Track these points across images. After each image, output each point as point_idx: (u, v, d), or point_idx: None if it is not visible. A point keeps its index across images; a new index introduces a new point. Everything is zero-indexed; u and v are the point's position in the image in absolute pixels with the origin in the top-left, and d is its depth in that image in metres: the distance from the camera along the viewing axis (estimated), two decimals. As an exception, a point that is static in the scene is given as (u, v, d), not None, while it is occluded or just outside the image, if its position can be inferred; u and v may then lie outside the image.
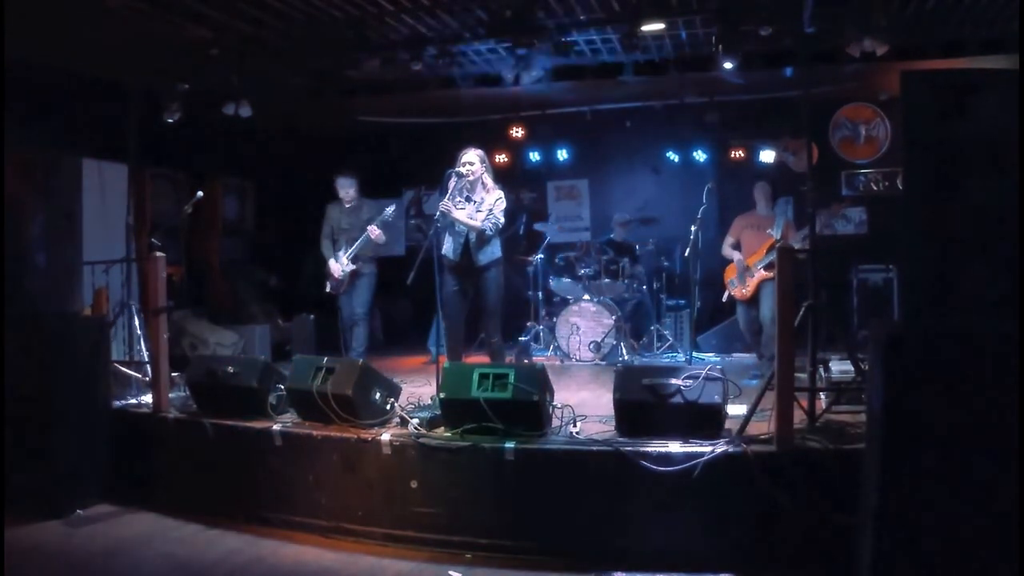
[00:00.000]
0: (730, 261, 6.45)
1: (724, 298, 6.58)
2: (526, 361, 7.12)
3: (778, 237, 5.99)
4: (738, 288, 6.32)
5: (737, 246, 6.43)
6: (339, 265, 6.45)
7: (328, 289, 6.58)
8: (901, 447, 2.89)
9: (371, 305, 6.69)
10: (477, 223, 5.30)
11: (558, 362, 7.46)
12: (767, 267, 6.02)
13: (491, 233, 5.36)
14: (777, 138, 8.54)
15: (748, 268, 6.23)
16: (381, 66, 6.63)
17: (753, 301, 6.25)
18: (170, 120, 6.81)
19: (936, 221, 2.98)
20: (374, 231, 6.22)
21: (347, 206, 6.61)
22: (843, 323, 7.53)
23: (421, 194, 10.22)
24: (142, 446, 4.97)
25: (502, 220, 5.44)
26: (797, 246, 5.89)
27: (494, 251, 5.44)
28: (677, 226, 7.56)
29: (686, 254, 6.38)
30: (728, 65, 6.10)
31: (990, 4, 5.72)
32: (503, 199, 5.44)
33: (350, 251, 6.41)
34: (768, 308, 5.96)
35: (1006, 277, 2.86)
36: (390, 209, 6.38)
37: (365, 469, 4.27)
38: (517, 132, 9.14)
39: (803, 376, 4.19)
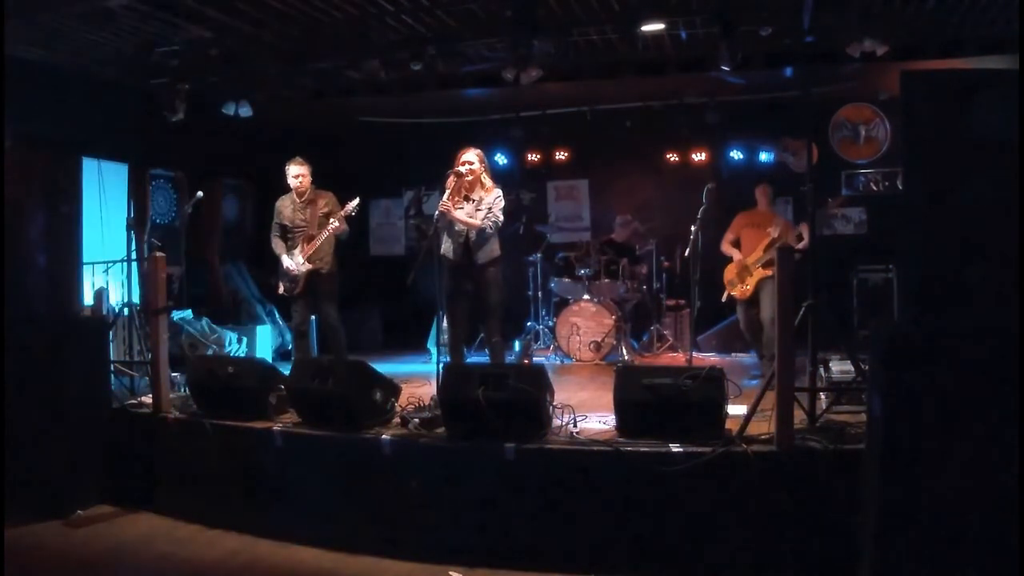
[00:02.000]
0: (728, 258, 6.45)
1: (723, 298, 6.58)
2: (526, 361, 7.13)
3: (776, 235, 5.99)
4: (737, 287, 6.32)
5: (737, 244, 6.43)
6: (295, 264, 5.79)
7: (281, 291, 5.94)
8: (901, 447, 2.89)
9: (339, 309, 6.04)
10: (477, 222, 5.29)
11: (558, 362, 7.47)
12: (765, 265, 6.01)
13: (491, 232, 5.35)
14: (777, 138, 8.54)
15: (747, 267, 6.24)
16: (381, 66, 6.63)
17: (753, 300, 6.25)
18: (174, 120, 6.80)
19: (936, 221, 2.98)
20: (339, 224, 5.71)
21: (300, 201, 5.90)
22: (843, 323, 7.52)
23: (421, 194, 10.22)
24: (142, 446, 4.97)
25: (501, 218, 5.43)
26: (795, 243, 5.89)
27: (493, 251, 5.44)
28: (677, 226, 7.55)
29: (686, 254, 6.37)
30: (726, 67, 6.10)
31: (990, 4, 5.72)
32: (502, 198, 5.44)
33: (308, 250, 5.77)
34: (768, 308, 5.96)
35: (1006, 277, 2.86)
36: (353, 203, 5.77)
37: (365, 469, 4.27)
38: (517, 132, 9.15)
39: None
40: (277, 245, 5.95)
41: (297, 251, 5.83)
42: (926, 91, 3.02)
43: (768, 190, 6.49)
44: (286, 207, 5.98)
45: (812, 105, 4.70)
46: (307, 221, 5.85)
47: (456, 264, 5.40)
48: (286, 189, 5.98)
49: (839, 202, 7.86)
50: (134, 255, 6.50)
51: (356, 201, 5.79)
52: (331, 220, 5.74)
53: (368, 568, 3.91)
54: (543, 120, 9.06)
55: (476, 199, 5.38)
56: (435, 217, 5.17)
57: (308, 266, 5.78)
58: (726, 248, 6.47)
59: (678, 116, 8.56)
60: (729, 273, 6.42)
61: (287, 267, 5.85)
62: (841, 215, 8.53)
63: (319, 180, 6.10)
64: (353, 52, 6.53)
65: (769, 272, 5.90)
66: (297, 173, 5.88)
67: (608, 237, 8.28)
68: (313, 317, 6.17)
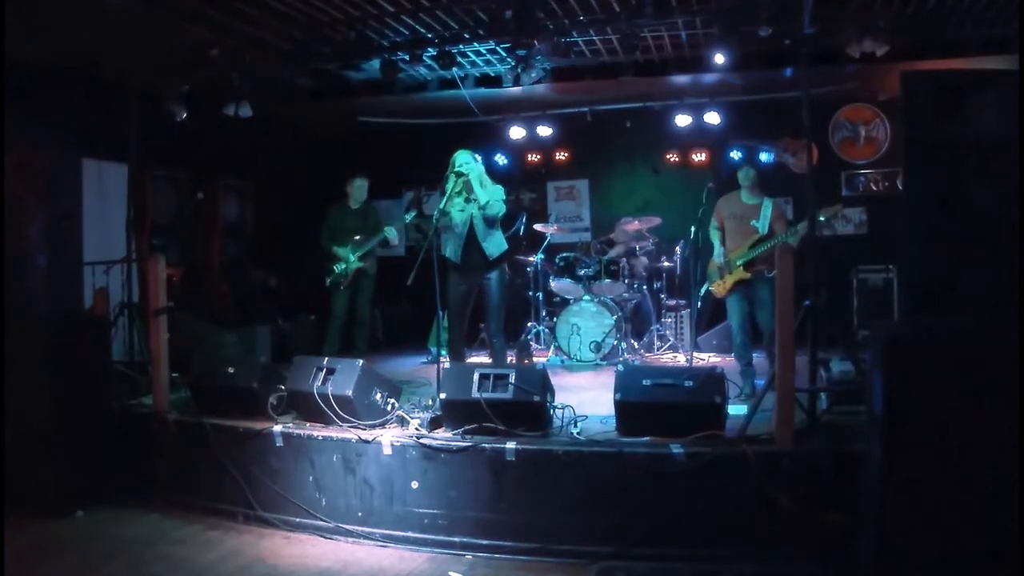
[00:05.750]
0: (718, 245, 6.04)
1: (701, 291, 6.28)
2: (527, 361, 7.12)
3: (763, 231, 5.68)
4: (716, 283, 5.93)
5: (723, 231, 6.03)
6: (348, 260, 6.69)
7: (328, 283, 6.76)
8: (901, 447, 2.89)
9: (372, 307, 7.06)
10: (484, 194, 5.24)
11: (558, 362, 7.46)
12: (746, 265, 5.68)
13: (492, 213, 5.29)
14: (777, 138, 8.54)
15: (728, 262, 5.83)
16: (381, 67, 6.63)
17: (735, 299, 5.82)
18: (177, 120, 6.81)
19: (936, 221, 2.98)
20: (393, 236, 6.63)
21: (353, 208, 6.84)
22: (843, 323, 7.52)
23: (421, 194, 10.21)
24: (142, 446, 4.98)
25: (503, 208, 5.42)
26: (793, 241, 5.59)
27: (496, 251, 5.43)
28: (677, 226, 7.55)
29: (686, 254, 6.33)
30: (722, 60, 6.08)
31: (990, 4, 5.72)
32: (501, 190, 5.45)
33: (359, 250, 6.67)
34: (736, 314, 5.78)
35: (1006, 277, 2.86)
36: (410, 215, 6.87)
37: (365, 469, 4.27)
38: (517, 132, 9.14)
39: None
40: (327, 243, 6.82)
41: (348, 250, 6.69)
42: (926, 91, 3.02)
43: (751, 174, 5.98)
44: (338, 214, 6.89)
45: (812, 105, 4.69)
46: (357, 228, 6.76)
47: (458, 265, 5.40)
48: (337, 199, 7.01)
49: (833, 212, 7.08)
50: (134, 255, 6.50)
51: (412, 214, 6.92)
52: (383, 231, 6.67)
53: (368, 568, 3.91)
54: (543, 120, 9.06)
55: (474, 199, 5.37)
56: (434, 217, 5.17)
57: (358, 264, 6.70)
58: (713, 235, 6.06)
59: (678, 116, 8.54)
60: (712, 265, 6.03)
61: (341, 257, 6.70)
62: (842, 216, 8.49)
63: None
64: (353, 52, 6.53)
65: (747, 275, 5.64)
66: (362, 185, 6.94)
67: (608, 237, 8.27)
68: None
